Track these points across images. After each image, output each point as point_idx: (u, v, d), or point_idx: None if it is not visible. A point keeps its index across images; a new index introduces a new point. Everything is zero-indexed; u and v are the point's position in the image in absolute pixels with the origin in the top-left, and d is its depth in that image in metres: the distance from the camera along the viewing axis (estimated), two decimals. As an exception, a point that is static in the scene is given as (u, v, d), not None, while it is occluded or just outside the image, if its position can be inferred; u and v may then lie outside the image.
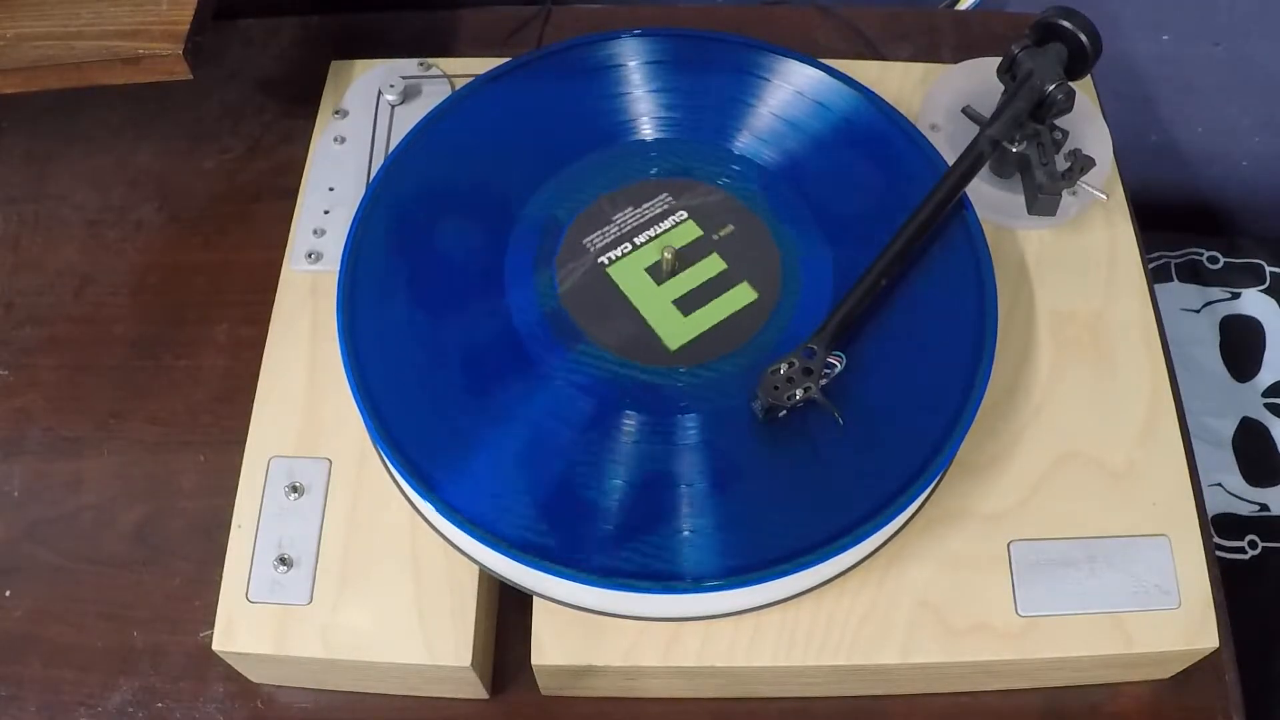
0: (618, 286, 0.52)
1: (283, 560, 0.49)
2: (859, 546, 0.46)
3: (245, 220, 0.64)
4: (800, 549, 0.45)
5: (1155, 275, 0.81)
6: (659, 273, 0.52)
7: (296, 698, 0.51)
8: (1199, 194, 0.95)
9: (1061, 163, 0.54)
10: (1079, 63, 0.55)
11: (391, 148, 0.57)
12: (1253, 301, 0.84)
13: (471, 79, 0.58)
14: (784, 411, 0.47)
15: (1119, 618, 0.48)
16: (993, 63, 0.57)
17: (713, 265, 0.52)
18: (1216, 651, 0.49)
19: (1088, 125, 0.58)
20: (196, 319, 0.61)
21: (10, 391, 0.59)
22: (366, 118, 0.61)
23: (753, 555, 0.45)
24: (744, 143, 0.56)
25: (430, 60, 0.63)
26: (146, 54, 0.53)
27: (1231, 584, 0.52)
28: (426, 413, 0.48)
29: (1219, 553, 0.73)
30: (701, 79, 0.58)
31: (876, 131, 0.56)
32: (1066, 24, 0.54)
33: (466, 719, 0.51)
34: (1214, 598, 0.49)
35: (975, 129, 0.55)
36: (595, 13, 0.71)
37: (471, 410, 0.48)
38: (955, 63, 0.62)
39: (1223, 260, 0.85)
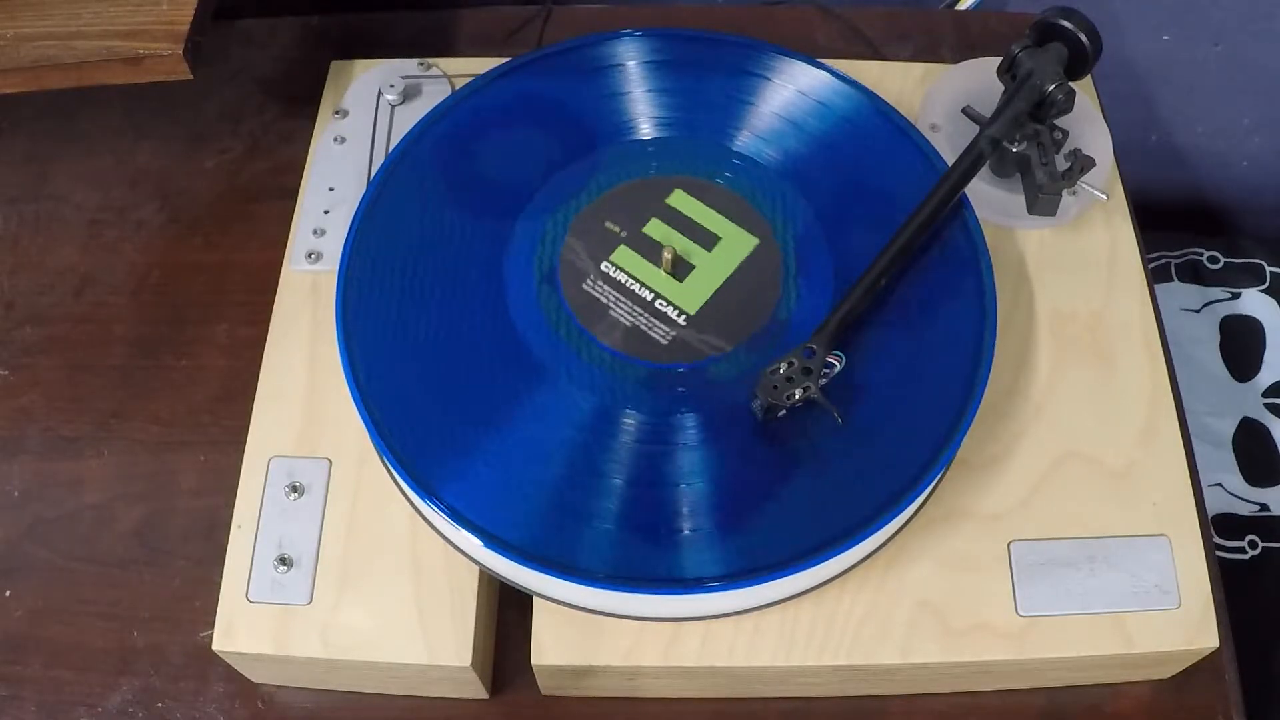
0: (621, 277, 0.52)
1: (283, 560, 0.49)
2: (859, 546, 0.46)
3: (245, 220, 0.64)
4: (800, 549, 0.45)
5: (1155, 275, 0.81)
6: (660, 266, 0.52)
7: (296, 698, 0.51)
8: (1199, 194, 0.95)
9: (1061, 163, 0.54)
10: (1079, 63, 0.55)
11: (391, 148, 0.57)
12: (1253, 301, 0.84)
13: (471, 79, 0.58)
14: (784, 411, 0.47)
15: (1119, 618, 0.48)
16: (993, 63, 0.57)
17: (711, 253, 0.52)
18: (1216, 651, 0.49)
19: (1088, 125, 0.58)
20: (196, 319, 0.61)
21: (10, 391, 0.59)
22: (366, 118, 0.61)
23: (753, 555, 0.45)
24: (744, 142, 0.56)
25: (430, 60, 0.63)
26: (146, 54, 0.53)
27: (1231, 584, 0.52)
28: (426, 413, 0.48)
29: (1219, 553, 0.73)
30: (701, 79, 0.58)
31: (877, 131, 0.56)
32: (1066, 24, 0.55)
33: (466, 719, 0.51)
34: (1214, 598, 0.49)
35: (975, 129, 0.55)
36: (595, 13, 0.71)
37: (471, 410, 0.48)
38: (955, 63, 0.62)
39: (1223, 260, 0.85)
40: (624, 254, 0.53)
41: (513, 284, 0.52)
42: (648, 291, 0.52)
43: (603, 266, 0.52)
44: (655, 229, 0.53)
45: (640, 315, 0.51)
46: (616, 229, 0.53)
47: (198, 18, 0.53)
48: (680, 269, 0.52)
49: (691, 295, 0.51)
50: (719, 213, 0.54)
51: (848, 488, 0.47)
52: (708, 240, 0.53)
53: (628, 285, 0.52)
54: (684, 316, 0.51)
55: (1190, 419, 0.54)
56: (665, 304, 0.51)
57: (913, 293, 0.51)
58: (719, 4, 0.73)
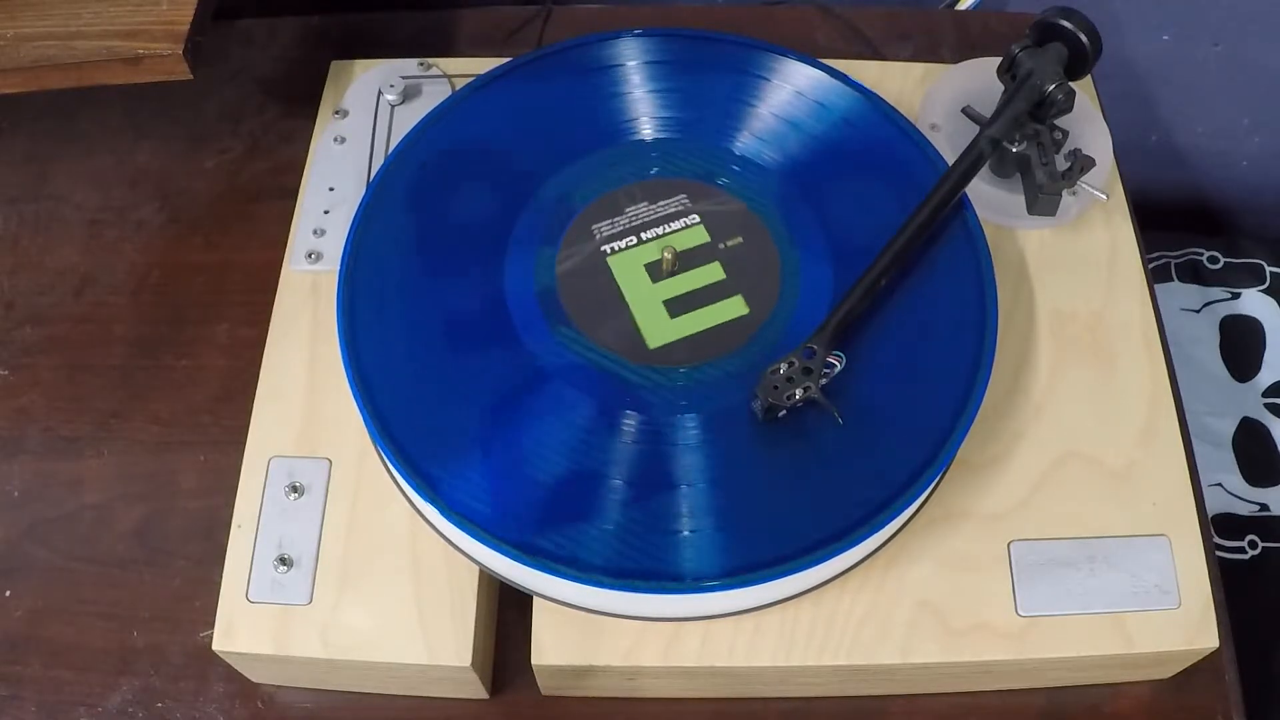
0: (613, 278, 0.52)
1: (283, 560, 0.49)
2: (859, 546, 0.46)
3: (245, 220, 0.64)
4: (800, 549, 0.45)
5: (1155, 275, 0.81)
6: (657, 271, 0.52)
7: (296, 698, 0.51)
8: (1199, 194, 0.95)
9: (1061, 163, 0.54)
10: (1079, 63, 0.55)
11: (391, 148, 0.57)
12: (1253, 301, 0.84)
13: (471, 79, 0.58)
14: (784, 411, 0.47)
15: (1119, 618, 0.48)
16: (993, 63, 0.57)
17: (712, 273, 0.52)
18: (1216, 651, 0.49)
19: (1088, 125, 0.58)
20: (196, 319, 0.61)
21: (10, 391, 0.59)
22: (366, 118, 0.61)
23: (753, 555, 0.45)
24: (743, 143, 0.56)
25: (430, 60, 0.63)
26: (146, 54, 0.53)
27: (1231, 584, 0.52)
28: (427, 413, 0.48)
29: (1219, 553, 0.73)
30: (701, 79, 0.58)
31: (876, 131, 0.56)
32: (1066, 24, 0.55)
33: (466, 719, 0.51)
34: (1214, 598, 0.49)
35: (975, 129, 0.55)
36: (595, 13, 0.71)
37: (472, 410, 0.48)
38: (955, 63, 0.62)
39: (1223, 260, 0.85)
40: (624, 254, 0.53)
41: (513, 284, 0.52)
42: (642, 287, 0.52)
43: (603, 269, 0.52)
44: (654, 228, 0.53)
45: (628, 309, 0.51)
46: (615, 230, 0.53)
47: (198, 18, 0.53)
48: (677, 305, 0.51)
49: (684, 299, 0.51)
50: (719, 260, 0.53)
51: (848, 488, 0.47)
52: (706, 296, 0.52)
53: (623, 278, 0.52)
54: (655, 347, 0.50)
55: (1190, 419, 0.54)
56: (656, 302, 0.51)
57: (913, 293, 0.51)
58: (719, 4, 0.73)
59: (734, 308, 0.51)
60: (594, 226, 0.53)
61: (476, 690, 0.50)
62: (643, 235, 0.53)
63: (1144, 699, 0.51)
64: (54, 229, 0.64)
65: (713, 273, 0.52)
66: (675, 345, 0.50)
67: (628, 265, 0.52)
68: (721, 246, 0.53)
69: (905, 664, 0.47)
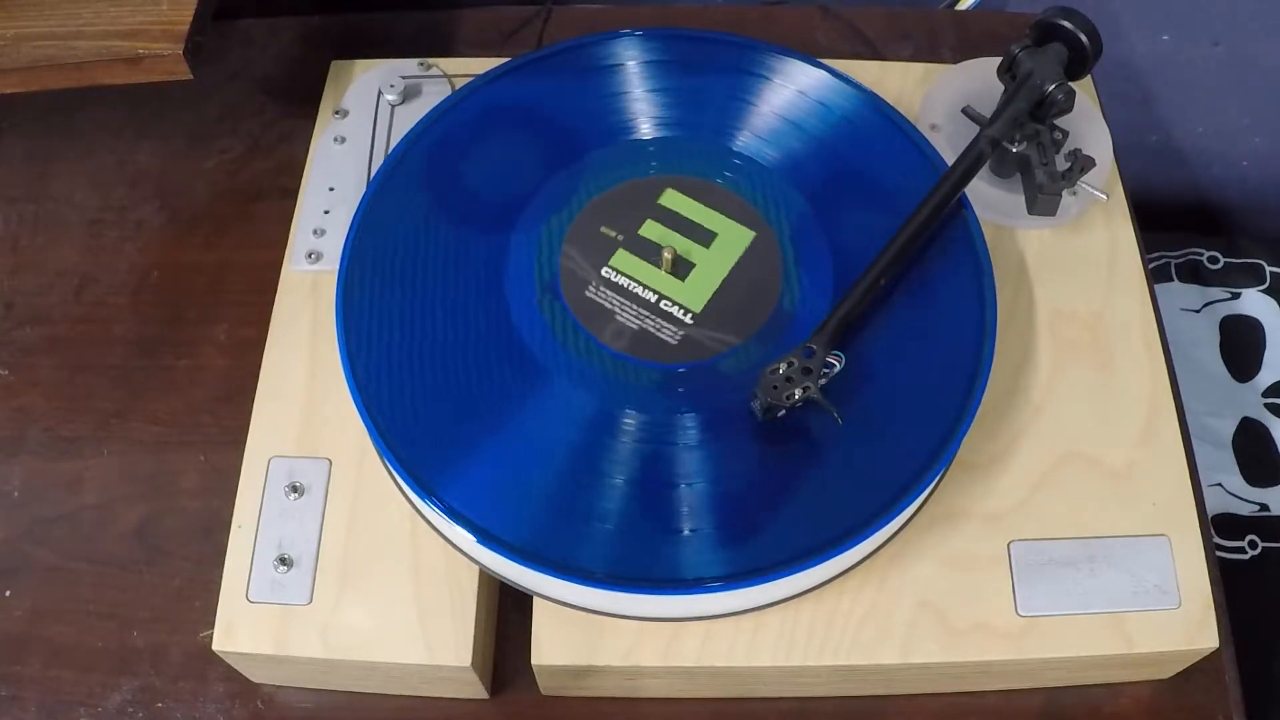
0: (622, 279, 0.52)
1: (283, 560, 0.49)
2: (859, 546, 0.46)
3: (245, 220, 0.64)
4: (800, 549, 0.45)
5: (1155, 275, 0.81)
6: (659, 266, 0.52)
7: (296, 698, 0.51)
8: (1199, 194, 0.95)
9: (1061, 163, 0.54)
10: (1079, 63, 0.55)
11: (391, 148, 0.57)
12: (1253, 301, 0.84)
13: (471, 79, 0.58)
14: (783, 411, 0.47)
15: (1119, 618, 0.48)
16: (993, 63, 0.57)
17: (710, 250, 0.53)
18: (1216, 651, 0.49)
19: (1088, 125, 0.58)
20: (196, 319, 0.61)
21: (10, 391, 0.59)
22: (366, 118, 0.61)
23: (753, 555, 0.45)
24: (744, 142, 0.56)
25: (430, 60, 0.63)
26: (146, 54, 0.53)
27: (1231, 584, 0.52)
28: (426, 413, 0.48)
29: (1219, 553, 0.73)
30: (701, 79, 0.58)
31: (876, 131, 0.56)
32: (1066, 24, 0.54)
33: (466, 719, 0.51)
34: (1214, 598, 0.49)
35: (975, 129, 0.55)
36: (595, 13, 0.71)
37: (471, 410, 0.48)
38: (955, 63, 0.61)
39: (1223, 260, 0.85)
40: (624, 254, 0.52)
41: (512, 283, 0.52)
42: (650, 293, 0.51)
43: (603, 270, 0.52)
44: (652, 229, 0.53)
45: (645, 317, 0.51)
46: (614, 231, 0.53)
47: (198, 18, 0.53)
48: (680, 268, 0.52)
49: (695, 293, 0.52)
50: (714, 209, 0.54)
51: (848, 488, 0.47)
52: (705, 237, 0.53)
53: (629, 288, 0.52)
54: (690, 315, 0.51)
55: (1190, 419, 0.54)
56: (670, 304, 0.51)
57: (913, 293, 0.51)
58: (719, 4, 0.73)
59: (741, 238, 0.52)
60: (600, 222, 0.53)
61: (476, 690, 0.50)
62: (643, 235, 0.53)
63: (1144, 699, 0.51)
64: (54, 229, 0.64)
65: (710, 249, 0.53)
66: (717, 300, 0.51)
67: (630, 265, 0.52)
68: (716, 236, 0.53)
69: (905, 664, 0.47)
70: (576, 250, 0.53)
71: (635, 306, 0.51)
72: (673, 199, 0.54)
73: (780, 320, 0.51)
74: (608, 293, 0.51)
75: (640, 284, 0.52)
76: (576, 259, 0.52)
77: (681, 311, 0.51)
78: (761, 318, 0.51)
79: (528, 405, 0.49)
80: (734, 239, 0.53)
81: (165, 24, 0.53)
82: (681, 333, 0.50)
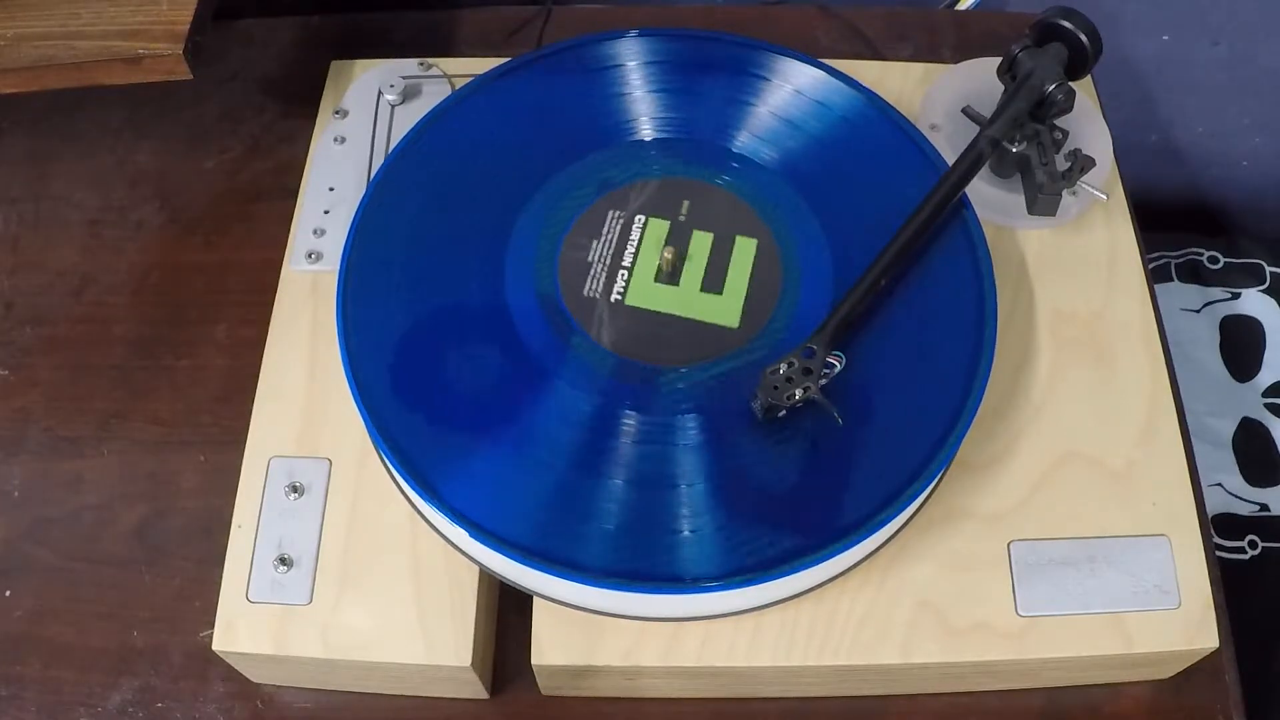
0: (622, 279, 0.52)
1: (283, 560, 0.49)
2: (859, 546, 0.46)
3: (245, 220, 0.64)
4: (800, 549, 0.45)
5: (1155, 275, 0.81)
6: (665, 273, 0.52)
7: (296, 698, 0.51)
8: (1199, 194, 0.95)
9: (1061, 163, 0.54)
10: (1079, 63, 0.55)
11: (391, 148, 0.57)
12: (1253, 301, 0.84)
13: (471, 79, 0.58)
14: (783, 411, 0.47)
15: (1119, 618, 0.48)
16: (993, 63, 0.57)
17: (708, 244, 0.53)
18: (1216, 651, 0.49)
19: (1088, 125, 0.58)
20: (196, 319, 0.61)
21: (10, 391, 0.59)
22: (366, 118, 0.61)
23: (753, 555, 0.45)
24: (744, 142, 0.56)
25: (430, 60, 0.63)
26: (146, 54, 0.53)
27: (1231, 584, 0.52)
28: (426, 412, 0.48)
29: (1219, 553, 0.73)
30: (701, 79, 0.58)
31: (876, 131, 0.56)
32: (1066, 24, 0.55)
33: (466, 719, 0.51)
34: (1214, 598, 0.49)
35: (975, 129, 0.55)
36: (595, 13, 0.71)
37: (471, 410, 0.48)
38: (955, 63, 0.62)
39: (1223, 260, 0.85)
40: (633, 261, 0.53)
41: (512, 283, 0.52)
42: (670, 295, 0.52)
43: (603, 269, 0.52)
44: (653, 229, 0.53)
45: (687, 317, 0.51)
46: (614, 230, 0.53)
47: (198, 18, 0.53)
48: (680, 268, 0.52)
49: (722, 307, 0.52)
50: (714, 210, 0.54)
51: (847, 488, 0.47)
52: (707, 238, 0.53)
53: (649, 300, 0.52)
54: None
55: (1190, 419, 0.54)
56: (696, 295, 0.51)
57: (913, 293, 0.51)
58: (719, 4, 0.73)
59: (747, 249, 0.52)
60: (601, 222, 0.53)
61: (476, 690, 0.50)
62: (643, 234, 0.53)
63: (1144, 699, 0.51)
64: (54, 229, 0.64)
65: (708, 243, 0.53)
66: (644, 313, 0.50)
67: (642, 278, 0.52)
68: (718, 232, 0.53)
69: (905, 664, 0.47)
70: (577, 249, 0.53)
71: (674, 316, 0.51)
72: (673, 199, 0.54)
73: (780, 320, 0.51)
74: (608, 291, 0.51)
75: (664, 302, 0.52)
76: (576, 258, 0.52)
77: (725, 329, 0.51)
78: (762, 318, 0.51)
79: (527, 405, 0.49)
80: (739, 241, 0.52)
81: (165, 24, 0.53)
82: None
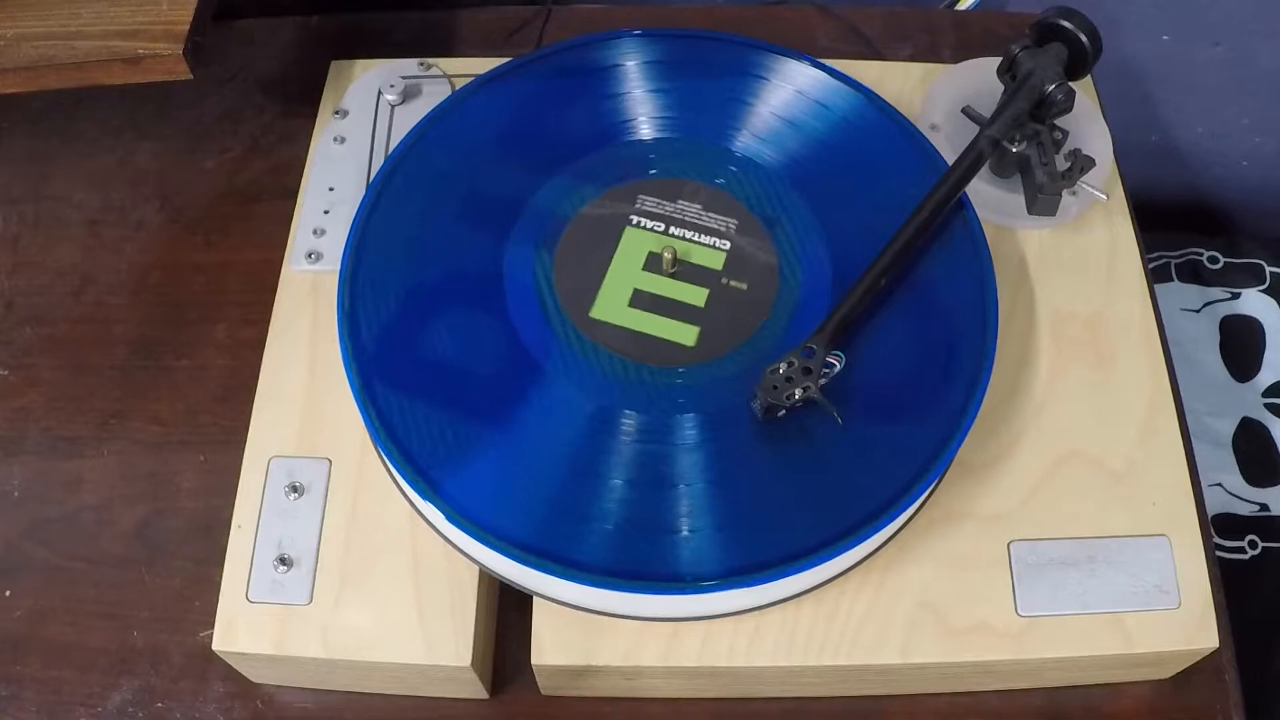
0: (610, 254, 0.52)
1: (283, 560, 0.49)
2: (859, 547, 0.46)
3: (245, 220, 0.64)
4: (800, 549, 0.45)
5: (1155, 275, 0.81)
6: (656, 264, 0.52)
7: (296, 698, 0.51)
8: (1199, 194, 0.95)
9: (1061, 163, 0.54)
10: (1079, 63, 0.55)
11: (391, 148, 0.57)
12: (1253, 301, 0.84)
13: (471, 79, 0.58)
14: (783, 411, 0.47)
15: (1119, 618, 0.48)
16: (993, 63, 0.57)
17: (695, 295, 0.52)
18: (1216, 651, 0.49)
19: (1088, 125, 0.59)
20: (196, 319, 0.61)
21: (10, 391, 0.59)
22: (366, 118, 0.61)
23: (753, 555, 0.45)
24: (744, 143, 0.56)
25: (430, 60, 0.63)
26: (146, 54, 0.53)
27: (1231, 584, 0.52)
28: (426, 412, 0.48)
29: (1219, 553, 0.73)
30: (701, 79, 0.58)
31: (876, 131, 0.56)
32: (1066, 24, 0.55)
33: (466, 719, 0.51)
34: (1214, 598, 0.49)
35: (975, 129, 0.55)
36: (595, 13, 0.71)
37: (471, 410, 0.48)
38: (955, 63, 0.62)
39: (1223, 260, 0.85)
40: (625, 253, 0.53)
41: (512, 283, 0.52)
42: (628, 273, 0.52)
43: (603, 269, 0.52)
44: (655, 229, 0.53)
45: (598, 283, 0.51)
46: (615, 229, 0.53)
47: (198, 18, 0.53)
48: (680, 268, 0.52)
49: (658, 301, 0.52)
50: (714, 210, 0.54)
51: (847, 488, 0.47)
52: (707, 239, 0.53)
53: (619, 259, 0.52)
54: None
55: (1190, 419, 0.54)
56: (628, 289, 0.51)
57: (913, 292, 0.51)
58: (719, 4, 0.73)
59: (683, 334, 0.51)
60: (601, 221, 0.53)
61: (476, 690, 0.50)
62: (644, 234, 0.53)
63: (1144, 699, 0.51)
64: (54, 229, 0.64)
65: (696, 295, 0.52)
66: (612, 329, 0.50)
67: (630, 256, 0.52)
68: (724, 282, 0.52)
69: (905, 664, 0.47)
70: (577, 248, 0.53)
71: (609, 277, 0.51)
72: (673, 199, 0.54)
73: (780, 320, 0.51)
74: (598, 260, 0.51)
75: (621, 268, 0.52)
76: (577, 257, 0.52)
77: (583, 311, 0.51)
78: (762, 318, 0.51)
79: (527, 405, 0.49)
80: (678, 330, 0.52)
81: (165, 24, 0.53)
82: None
